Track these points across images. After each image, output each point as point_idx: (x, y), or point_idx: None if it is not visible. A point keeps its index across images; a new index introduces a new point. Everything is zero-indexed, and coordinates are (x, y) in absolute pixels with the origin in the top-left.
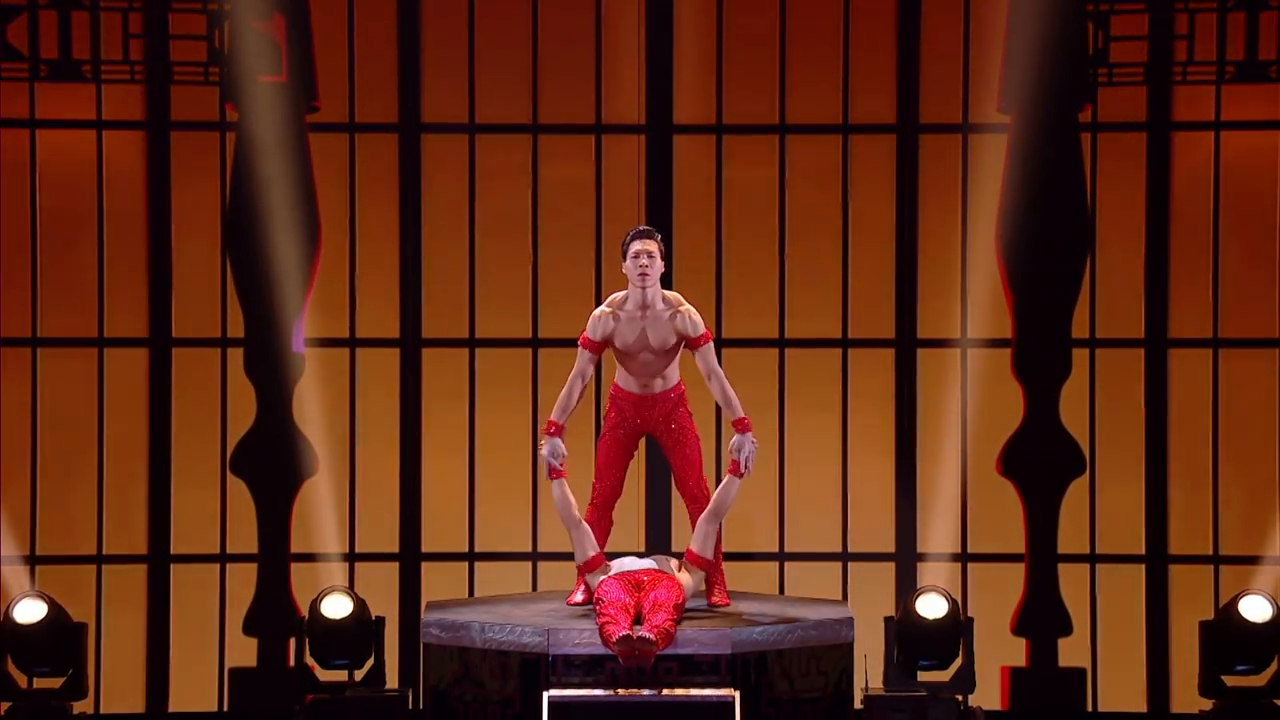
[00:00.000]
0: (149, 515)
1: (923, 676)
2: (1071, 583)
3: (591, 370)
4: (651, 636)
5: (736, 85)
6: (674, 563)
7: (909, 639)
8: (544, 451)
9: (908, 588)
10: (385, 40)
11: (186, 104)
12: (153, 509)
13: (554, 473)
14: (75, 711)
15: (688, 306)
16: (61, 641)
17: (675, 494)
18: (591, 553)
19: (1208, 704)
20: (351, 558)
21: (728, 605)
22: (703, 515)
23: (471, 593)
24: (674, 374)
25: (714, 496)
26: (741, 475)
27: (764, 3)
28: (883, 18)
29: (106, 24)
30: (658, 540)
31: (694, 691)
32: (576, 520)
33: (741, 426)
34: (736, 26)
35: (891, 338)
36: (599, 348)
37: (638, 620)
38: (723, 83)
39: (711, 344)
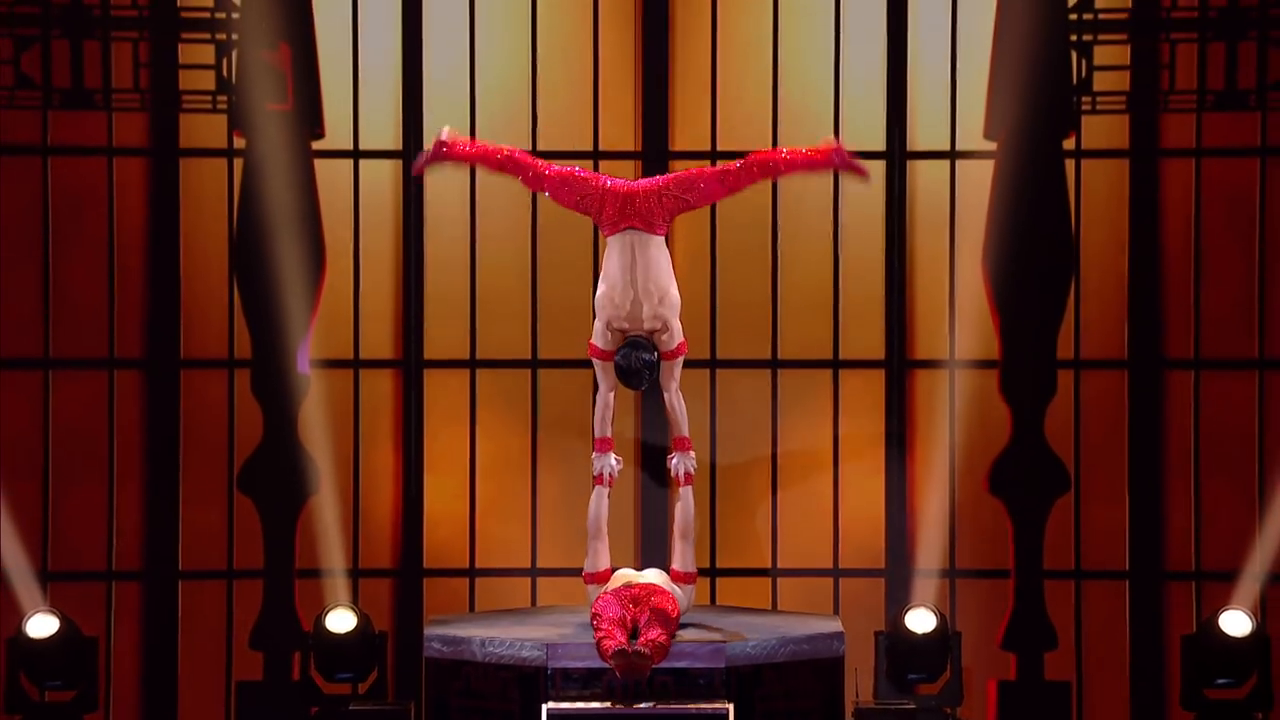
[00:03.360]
0: (156, 532)
1: (912, 690)
2: (1056, 598)
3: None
4: (647, 651)
5: (730, 115)
6: (667, 576)
7: (899, 653)
8: (599, 468)
9: (898, 603)
10: (388, 68)
11: (195, 131)
12: (160, 526)
13: (600, 479)
14: None
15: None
16: (73, 656)
17: (669, 512)
18: (603, 567)
19: (1190, 716)
20: (355, 574)
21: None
22: (675, 535)
23: (472, 608)
24: None
25: (676, 516)
26: (689, 484)
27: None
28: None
29: (117, 54)
30: (652, 557)
31: (689, 704)
32: (601, 533)
33: (683, 445)
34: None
35: (882, 358)
36: (613, 354)
37: (634, 634)
38: (716, 113)
39: (681, 359)
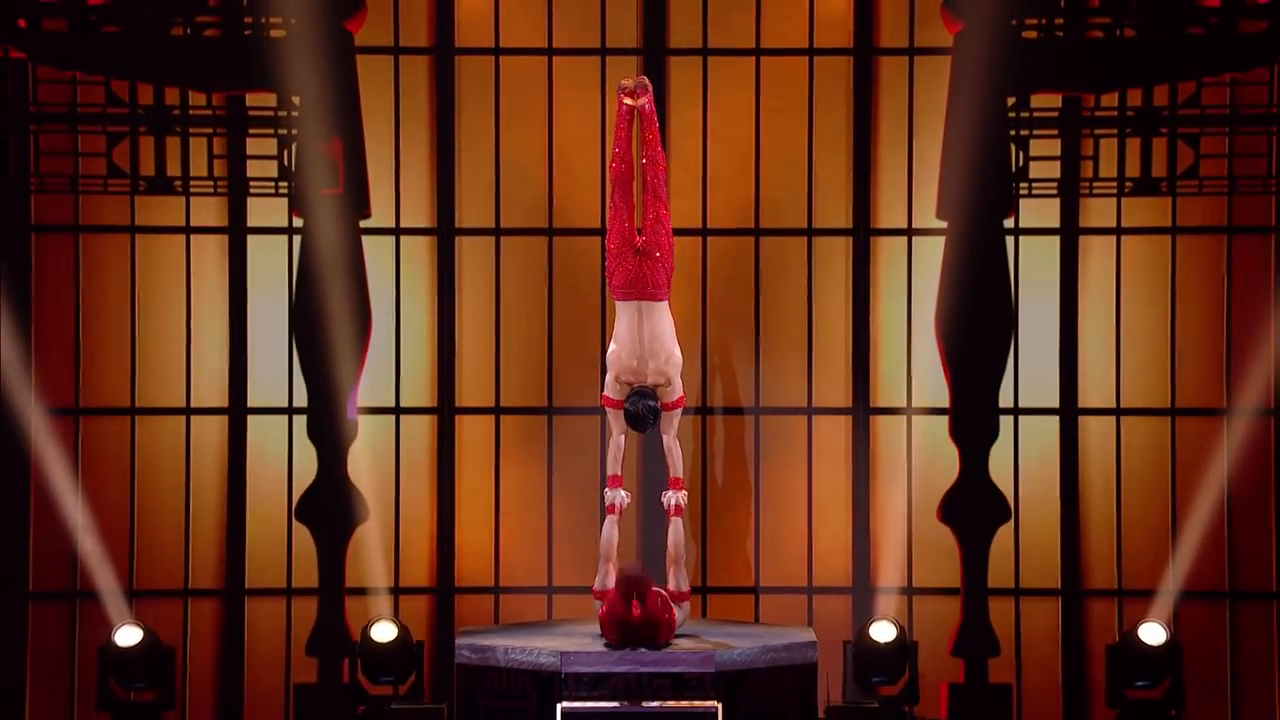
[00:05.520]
0: (229, 556)
1: (876, 691)
2: (999, 612)
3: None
4: (640, 615)
5: (721, 190)
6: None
7: (863, 660)
8: (611, 500)
9: (863, 616)
10: (425, 160)
11: (260, 212)
12: (230, 550)
13: (612, 510)
14: None
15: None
16: (154, 662)
17: (665, 538)
18: (610, 586)
19: (1112, 714)
20: (396, 591)
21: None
22: (668, 561)
23: (497, 621)
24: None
25: (669, 544)
26: (680, 515)
27: (741, 146)
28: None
29: (194, 147)
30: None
31: (683, 703)
32: (611, 556)
33: (676, 485)
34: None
35: (849, 406)
36: (622, 403)
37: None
38: (707, 197)
39: (680, 410)
